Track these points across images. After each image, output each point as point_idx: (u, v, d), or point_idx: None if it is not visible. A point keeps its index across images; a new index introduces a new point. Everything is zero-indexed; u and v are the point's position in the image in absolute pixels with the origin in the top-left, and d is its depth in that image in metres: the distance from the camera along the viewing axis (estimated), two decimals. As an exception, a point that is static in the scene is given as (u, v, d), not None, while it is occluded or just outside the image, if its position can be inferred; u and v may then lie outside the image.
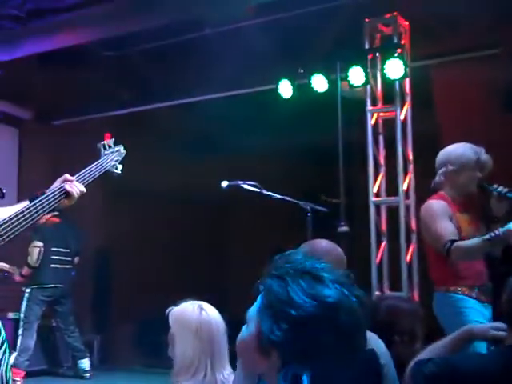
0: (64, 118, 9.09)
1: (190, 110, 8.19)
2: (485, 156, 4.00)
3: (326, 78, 6.55)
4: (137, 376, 7.80)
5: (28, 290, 7.10)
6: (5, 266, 6.86)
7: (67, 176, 2.90)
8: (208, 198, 7.00)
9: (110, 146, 3.35)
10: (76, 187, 2.87)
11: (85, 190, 2.93)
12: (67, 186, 2.84)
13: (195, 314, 2.65)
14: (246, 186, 5.33)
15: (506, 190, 3.85)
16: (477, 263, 3.95)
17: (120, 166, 3.33)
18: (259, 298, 1.33)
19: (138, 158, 8.22)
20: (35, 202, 2.68)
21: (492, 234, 3.66)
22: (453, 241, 3.78)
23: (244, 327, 1.37)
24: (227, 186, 5.33)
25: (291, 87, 6.70)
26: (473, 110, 6.66)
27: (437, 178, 4.08)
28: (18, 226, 2.58)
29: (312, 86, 6.59)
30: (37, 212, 2.66)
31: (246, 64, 7.16)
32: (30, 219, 2.62)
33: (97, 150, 3.33)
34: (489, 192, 3.92)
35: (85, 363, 7.28)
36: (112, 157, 3.29)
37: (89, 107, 8.58)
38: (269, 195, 5.36)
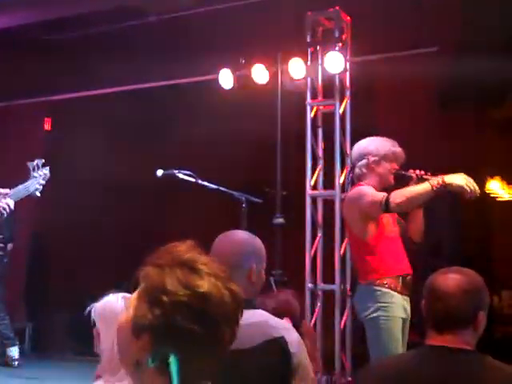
0: (1, 101, 8.86)
1: (129, 98, 8.10)
2: (399, 148, 4.09)
3: (267, 69, 6.56)
4: (68, 364, 7.69)
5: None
6: None
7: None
8: (144, 185, 6.93)
9: (38, 168, 3.68)
10: (4, 204, 3.34)
11: (12, 208, 3.44)
12: None
13: (119, 305, 2.41)
14: (180, 176, 5.29)
15: (422, 172, 3.94)
16: (400, 252, 4.00)
17: (40, 188, 3.70)
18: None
19: (75, 144, 8.11)
20: None
21: (435, 183, 3.68)
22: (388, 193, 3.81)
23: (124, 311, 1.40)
24: (162, 174, 5.29)
25: (232, 77, 6.67)
26: (410, 106, 6.76)
27: (357, 171, 4.10)
28: None
29: (253, 76, 6.59)
30: None
31: (187, 53, 7.10)
32: None
33: (27, 167, 3.70)
34: (407, 177, 3.99)
35: (14, 351, 7.14)
36: (38, 180, 3.66)
37: (27, 91, 8.38)
38: (204, 185, 5.33)
